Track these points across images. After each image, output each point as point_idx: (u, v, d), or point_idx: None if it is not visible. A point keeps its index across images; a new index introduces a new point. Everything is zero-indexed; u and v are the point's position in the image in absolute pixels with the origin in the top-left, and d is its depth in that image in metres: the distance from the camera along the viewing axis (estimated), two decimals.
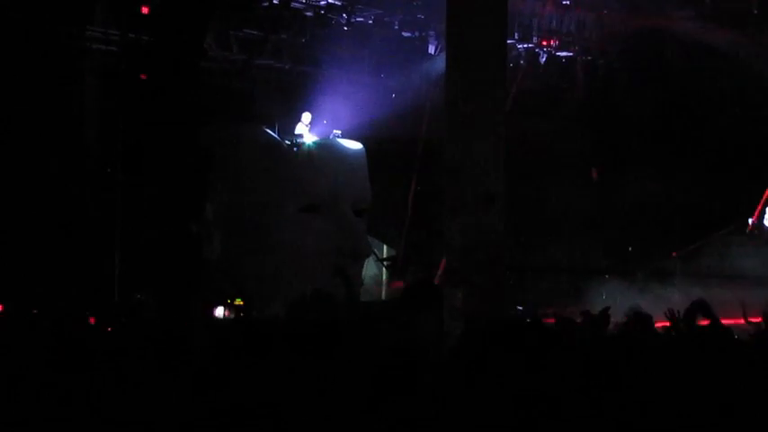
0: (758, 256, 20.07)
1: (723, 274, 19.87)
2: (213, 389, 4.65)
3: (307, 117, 20.33)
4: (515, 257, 18.72)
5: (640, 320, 7.20)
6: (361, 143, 20.83)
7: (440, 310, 5.73)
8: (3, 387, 4.89)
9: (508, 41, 18.73)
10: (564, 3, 22.63)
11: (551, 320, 7.74)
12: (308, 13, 20.60)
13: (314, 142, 20.29)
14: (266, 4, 19.91)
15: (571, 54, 23.47)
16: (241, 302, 17.49)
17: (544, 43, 23.05)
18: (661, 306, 7.25)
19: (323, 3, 20.47)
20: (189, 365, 5.03)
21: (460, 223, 14.60)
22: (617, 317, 7.73)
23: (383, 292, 22.35)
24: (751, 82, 21.84)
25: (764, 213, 22.35)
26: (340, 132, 20.71)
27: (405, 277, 21.33)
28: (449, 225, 14.83)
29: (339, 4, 20.62)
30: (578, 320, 8.07)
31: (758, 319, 7.21)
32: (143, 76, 17.54)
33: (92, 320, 9.16)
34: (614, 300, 16.92)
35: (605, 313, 8.10)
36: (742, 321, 8.02)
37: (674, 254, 21.98)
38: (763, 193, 22.31)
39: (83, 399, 4.75)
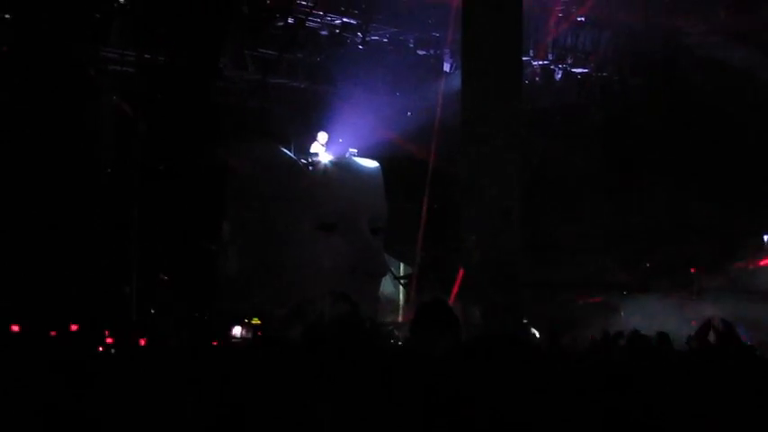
0: None
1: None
2: (225, 402, 4.65)
3: (322, 136, 20.34)
4: (532, 274, 18.64)
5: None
6: (377, 161, 20.84)
7: (455, 330, 5.68)
8: (18, 405, 4.90)
9: (523, 58, 18.73)
10: (579, 19, 22.62)
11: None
12: (323, 32, 20.65)
13: (330, 161, 20.30)
14: (281, 23, 19.98)
15: (586, 70, 23.45)
16: (258, 321, 17.51)
17: (560, 60, 23.05)
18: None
19: (338, 22, 20.52)
20: (202, 382, 5.02)
21: (477, 240, 14.59)
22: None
23: (400, 311, 22.31)
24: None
25: None
26: (356, 151, 20.72)
27: (421, 295, 21.29)
28: (465, 242, 14.82)
29: (354, 22, 20.66)
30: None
31: None
32: (159, 96, 17.59)
33: (109, 340, 9.19)
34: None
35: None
36: None
37: (692, 269, 21.88)
38: None
39: (96, 416, 4.75)
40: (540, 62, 22.71)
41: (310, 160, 20.26)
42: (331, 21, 20.51)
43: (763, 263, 21.31)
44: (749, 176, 22.03)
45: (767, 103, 21.83)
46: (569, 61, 23.13)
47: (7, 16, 16.64)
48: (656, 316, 17.16)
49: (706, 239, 22.13)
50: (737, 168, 22.18)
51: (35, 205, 15.91)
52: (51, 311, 14.23)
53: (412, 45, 21.75)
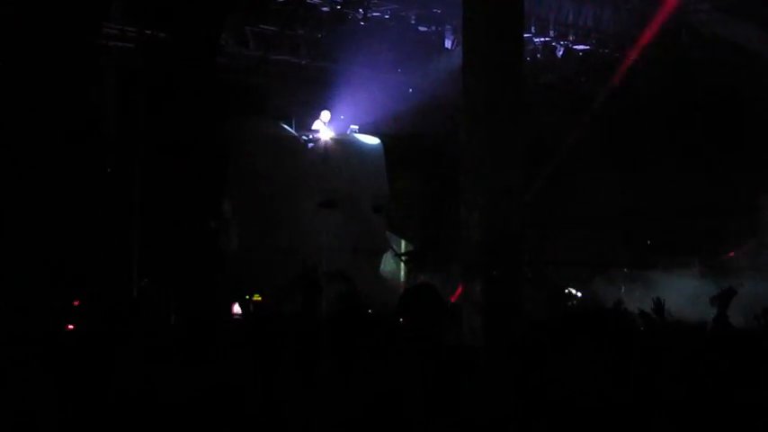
0: None
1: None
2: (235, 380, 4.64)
3: (325, 114, 20.32)
4: (534, 252, 18.65)
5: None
6: (379, 138, 20.80)
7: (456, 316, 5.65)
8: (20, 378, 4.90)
9: (525, 35, 18.63)
10: None
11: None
12: (325, 9, 20.56)
13: (331, 138, 20.26)
14: None
15: (588, 47, 23.35)
16: (259, 298, 17.50)
17: (561, 37, 22.94)
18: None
19: None
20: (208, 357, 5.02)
21: (478, 218, 14.54)
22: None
23: (401, 288, 22.31)
24: None
25: None
26: (357, 128, 20.68)
27: (424, 272, 21.29)
28: (466, 220, 14.77)
29: None
30: None
31: None
32: (160, 73, 17.53)
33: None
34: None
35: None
36: None
37: (694, 248, 21.94)
38: None
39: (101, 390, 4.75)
40: (542, 39, 22.61)
41: (311, 137, 20.22)
42: None
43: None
44: (754, 154, 21.97)
45: None
46: (571, 38, 23.03)
47: None
48: (659, 292, 17.12)
49: (710, 218, 22.13)
50: (742, 146, 22.13)
51: (36, 182, 15.89)
52: (53, 289, 14.24)
53: (413, 21, 21.65)
